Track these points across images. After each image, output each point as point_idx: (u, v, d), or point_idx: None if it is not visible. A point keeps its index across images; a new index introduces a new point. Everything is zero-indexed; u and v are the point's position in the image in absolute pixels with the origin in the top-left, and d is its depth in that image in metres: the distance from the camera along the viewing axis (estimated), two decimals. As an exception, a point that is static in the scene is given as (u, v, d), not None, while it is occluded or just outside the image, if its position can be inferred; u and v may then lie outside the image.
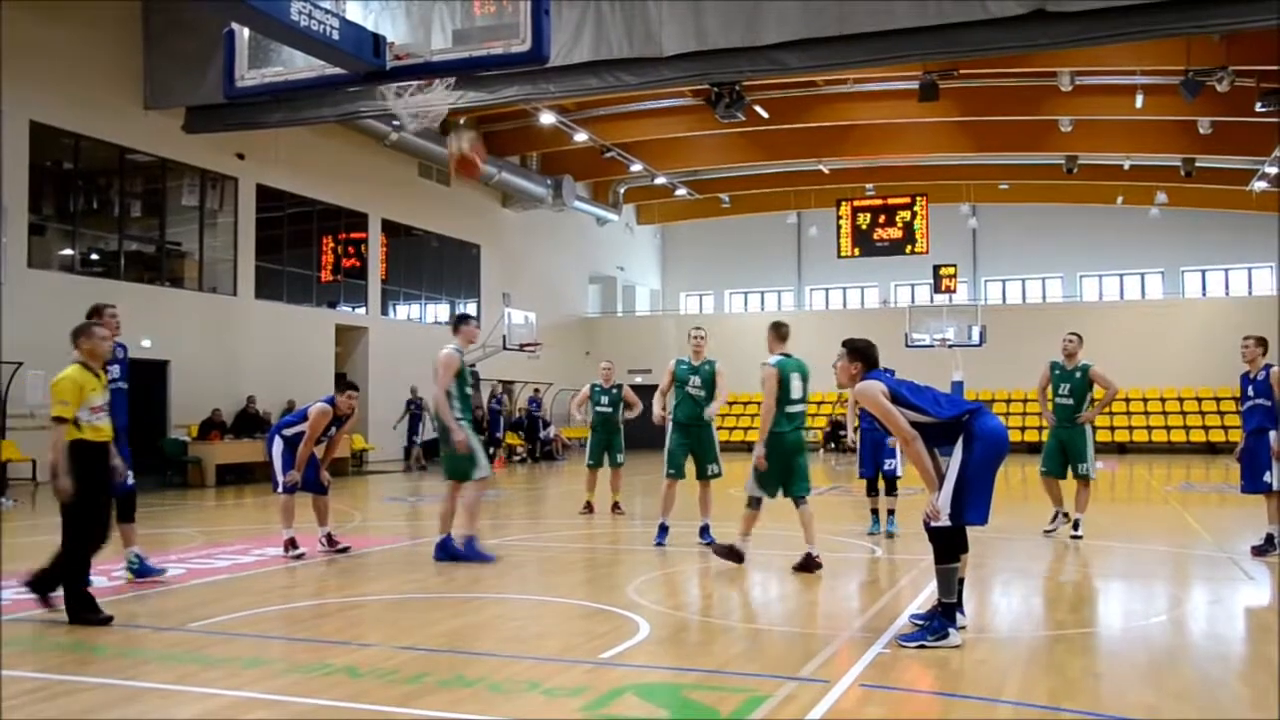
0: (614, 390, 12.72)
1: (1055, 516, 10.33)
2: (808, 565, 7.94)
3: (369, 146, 24.40)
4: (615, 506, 12.38)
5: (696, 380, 9.51)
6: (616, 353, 26.13)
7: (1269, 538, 8.74)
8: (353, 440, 21.25)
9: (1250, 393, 8.87)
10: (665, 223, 39.70)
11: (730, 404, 35.54)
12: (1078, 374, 10.26)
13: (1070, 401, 10.22)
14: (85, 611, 6.06)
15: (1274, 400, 8.63)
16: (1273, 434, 8.57)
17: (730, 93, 20.87)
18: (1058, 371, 10.44)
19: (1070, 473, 10.15)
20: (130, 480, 7.55)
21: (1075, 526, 10.00)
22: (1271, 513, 8.76)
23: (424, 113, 8.33)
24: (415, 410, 23.52)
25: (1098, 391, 10.31)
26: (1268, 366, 8.82)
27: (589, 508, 12.53)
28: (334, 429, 9.14)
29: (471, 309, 29.91)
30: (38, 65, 17.27)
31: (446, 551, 8.62)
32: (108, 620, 6.03)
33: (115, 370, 7.48)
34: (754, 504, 8.22)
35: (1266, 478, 8.63)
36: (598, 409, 12.63)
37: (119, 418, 7.40)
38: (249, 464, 17.93)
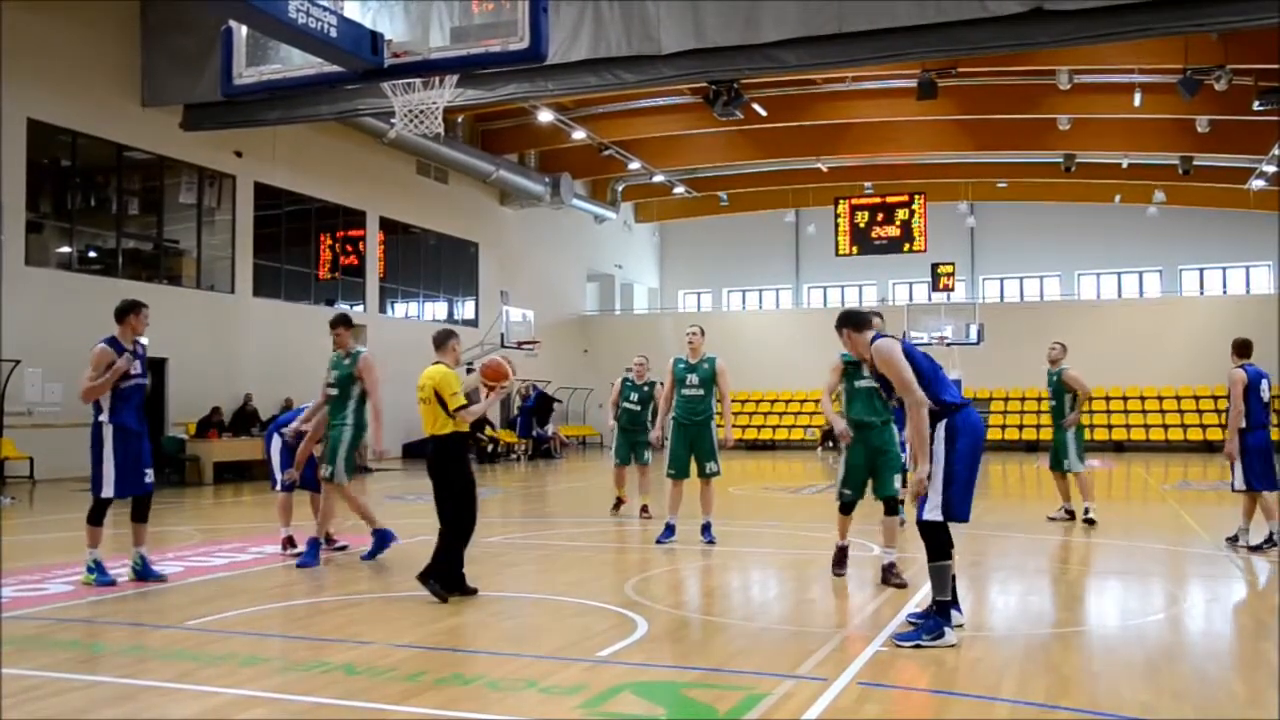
0: (645, 388, 12.14)
1: (1060, 509, 11.30)
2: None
3: (367, 144, 24.38)
4: (643, 510, 11.78)
5: (694, 379, 9.47)
6: (614, 351, 26.14)
7: (1270, 536, 8.88)
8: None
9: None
10: (663, 221, 39.71)
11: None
12: (1054, 377, 11.29)
13: (1054, 403, 11.29)
14: (459, 586, 6.94)
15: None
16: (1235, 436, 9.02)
17: (728, 91, 20.89)
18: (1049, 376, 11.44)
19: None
20: (150, 479, 7.53)
21: (1086, 513, 10.96)
22: (1268, 510, 8.93)
23: (424, 111, 8.32)
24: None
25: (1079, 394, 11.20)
26: (1234, 368, 9.15)
27: (618, 505, 12.10)
28: None
29: (470, 307, 29.94)
30: (36, 63, 17.26)
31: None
32: (474, 591, 6.95)
33: (137, 365, 7.41)
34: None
35: (1234, 478, 9.09)
36: (626, 405, 12.07)
37: (140, 415, 7.42)
38: (247, 462, 17.92)
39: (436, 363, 7.18)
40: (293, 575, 8.02)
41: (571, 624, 6.21)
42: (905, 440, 6.59)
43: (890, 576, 7.30)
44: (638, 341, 35.00)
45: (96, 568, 7.29)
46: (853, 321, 5.99)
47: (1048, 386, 11.37)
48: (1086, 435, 11.65)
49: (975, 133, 27.42)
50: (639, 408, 12.14)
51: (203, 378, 20.00)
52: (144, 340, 7.58)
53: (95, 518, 7.35)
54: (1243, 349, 9.23)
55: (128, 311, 7.42)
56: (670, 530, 9.55)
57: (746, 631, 6.03)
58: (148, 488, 7.53)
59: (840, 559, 7.82)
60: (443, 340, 7.33)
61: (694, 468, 9.59)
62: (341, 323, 8.83)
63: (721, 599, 7.40)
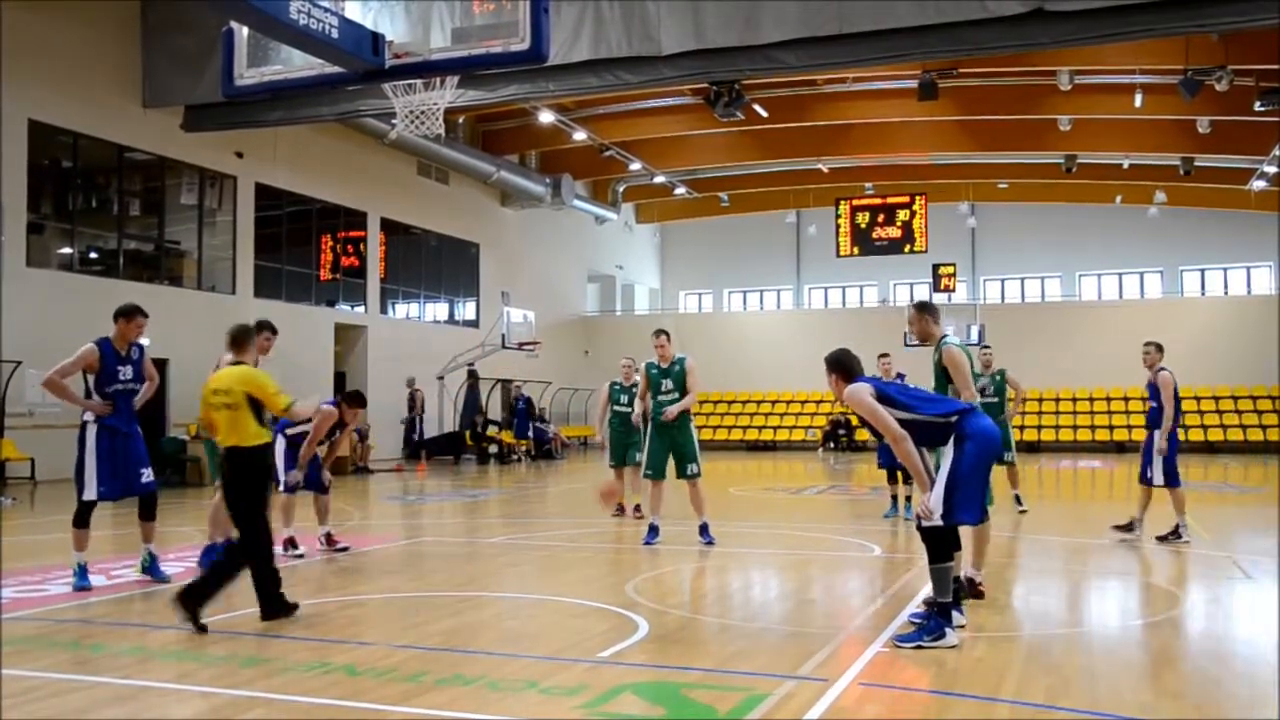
0: (634, 389, 12.00)
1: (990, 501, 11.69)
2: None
3: (368, 145, 24.39)
4: (636, 509, 11.83)
5: (668, 384, 9.56)
6: (615, 352, 26.07)
7: (1130, 522, 9.81)
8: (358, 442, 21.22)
9: (1147, 394, 9.99)
10: (664, 221, 39.71)
11: (714, 401, 35.77)
12: (997, 377, 12.32)
13: (995, 400, 12.04)
14: (281, 606, 6.15)
15: (1160, 402, 9.65)
16: (1158, 433, 9.68)
17: (729, 91, 20.87)
18: (979, 378, 12.30)
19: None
20: (149, 478, 7.49)
21: (1019, 501, 12.14)
22: (1141, 500, 9.83)
23: (425, 112, 8.33)
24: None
25: (1011, 393, 12.38)
26: (1161, 369, 9.76)
27: (620, 510, 11.98)
28: (338, 431, 9.19)
29: (470, 308, 29.95)
30: (36, 63, 17.26)
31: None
32: (295, 606, 6.20)
33: (128, 371, 7.35)
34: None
35: (1148, 473, 9.69)
36: (617, 408, 12.03)
37: (130, 417, 7.35)
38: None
39: (235, 362, 6.42)
40: (294, 576, 8.01)
41: (572, 624, 6.21)
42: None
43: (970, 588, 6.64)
44: (639, 342, 35.00)
45: (79, 572, 7.17)
46: (843, 370, 5.86)
47: (990, 385, 12.23)
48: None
49: (976, 133, 27.41)
50: (630, 409, 12.07)
51: (203, 379, 19.75)
52: (144, 343, 7.53)
53: (79, 520, 7.21)
54: (1161, 349, 9.88)
55: (119, 316, 7.36)
56: (654, 531, 9.57)
57: (747, 632, 6.02)
58: (146, 487, 7.45)
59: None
60: (245, 337, 6.51)
61: (673, 469, 9.63)
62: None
63: (722, 599, 7.40)
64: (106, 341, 7.28)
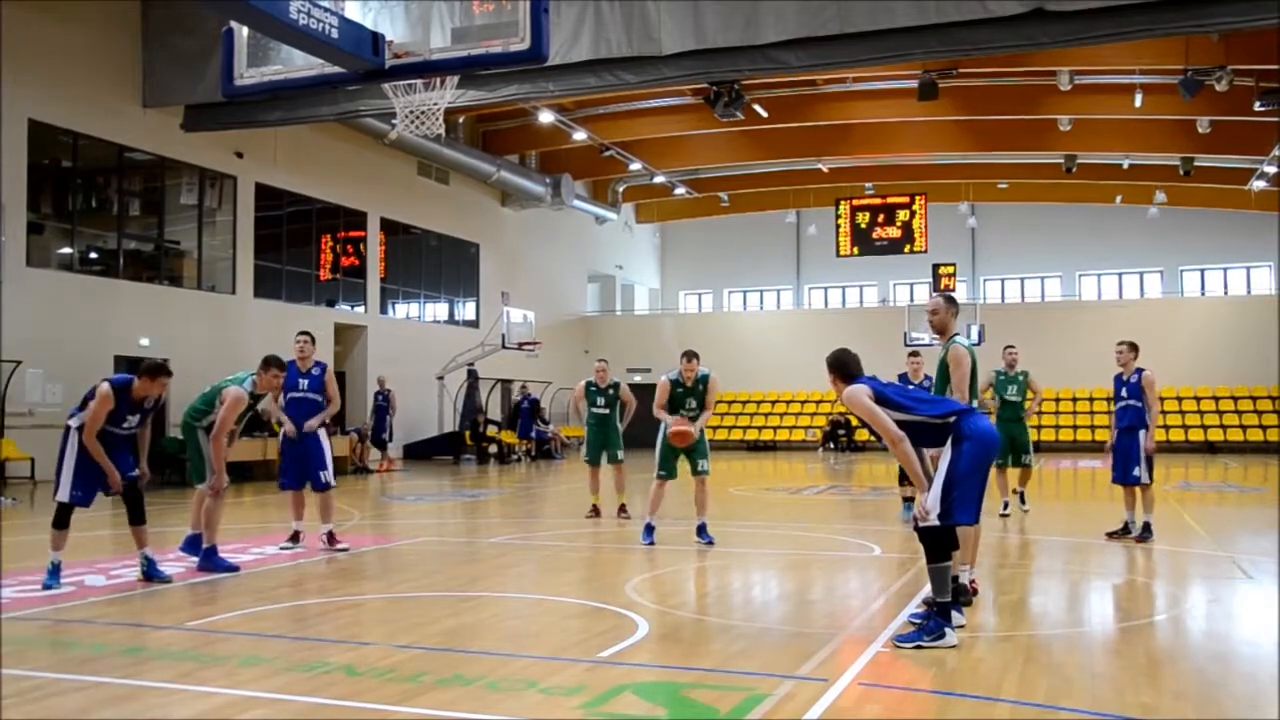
0: (610, 390, 12.16)
1: (1007, 504, 11.88)
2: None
3: (368, 145, 24.39)
4: (621, 509, 11.87)
5: (692, 402, 9.64)
6: (615, 352, 26.09)
7: (1126, 525, 9.91)
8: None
9: (1124, 394, 9.91)
10: (664, 221, 39.69)
11: (723, 402, 35.75)
12: (1020, 378, 12.29)
13: (1018, 400, 12.14)
14: None
15: (1145, 401, 9.74)
16: (1143, 433, 9.72)
17: (729, 91, 20.88)
18: (1002, 377, 12.36)
19: (1012, 461, 11.91)
20: (133, 473, 7.48)
21: (1023, 500, 12.21)
22: (1128, 502, 9.98)
23: (425, 112, 8.33)
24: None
25: (1030, 393, 12.41)
26: (1139, 370, 9.83)
27: (595, 511, 11.94)
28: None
29: (470, 308, 29.93)
30: (36, 63, 17.26)
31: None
32: None
33: (134, 420, 7.35)
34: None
35: (1135, 471, 9.74)
36: (593, 409, 12.12)
37: (122, 455, 7.33)
38: (247, 462, 17.92)
39: None
40: (294, 575, 8.02)
41: (572, 625, 6.21)
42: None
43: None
44: (639, 342, 35.13)
45: (52, 570, 7.21)
46: (841, 370, 5.87)
47: (1010, 385, 12.21)
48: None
49: (976, 133, 27.40)
50: (607, 411, 12.17)
51: (203, 379, 19.82)
52: (161, 396, 7.49)
53: (56, 521, 7.27)
54: (1135, 349, 9.97)
55: (142, 374, 7.29)
56: (650, 530, 9.60)
57: (747, 632, 6.02)
58: (131, 478, 7.38)
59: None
60: None
61: (685, 468, 9.69)
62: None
63: (722, 600, 7.40)
64: (128, 385, 7.27)
